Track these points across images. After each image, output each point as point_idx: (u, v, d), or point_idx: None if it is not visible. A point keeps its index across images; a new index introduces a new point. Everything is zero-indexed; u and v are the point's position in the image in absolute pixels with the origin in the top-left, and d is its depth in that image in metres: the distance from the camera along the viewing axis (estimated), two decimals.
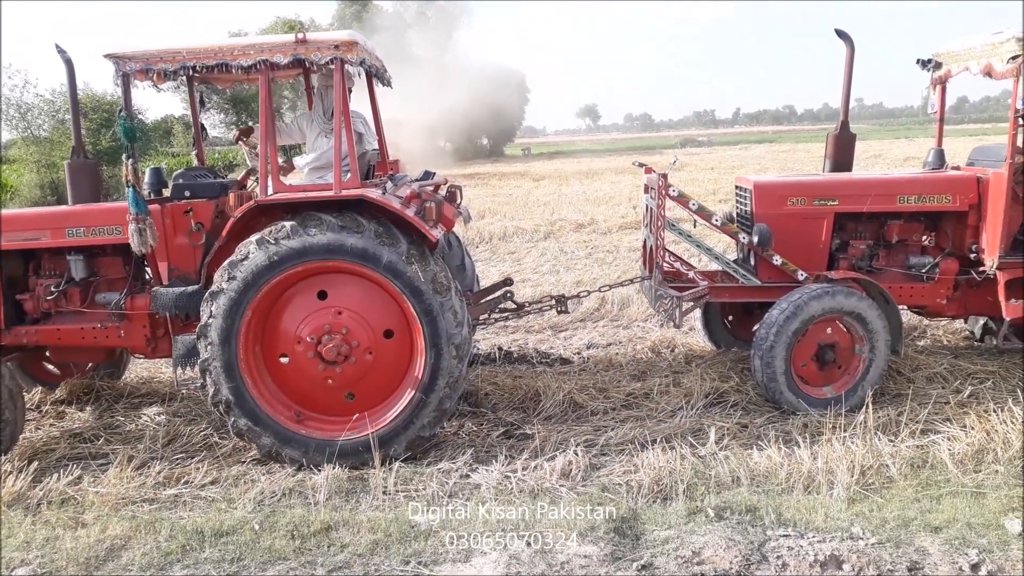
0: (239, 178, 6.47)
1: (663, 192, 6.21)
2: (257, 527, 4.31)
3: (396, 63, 6.12)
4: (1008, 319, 6.04)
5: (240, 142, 6.51)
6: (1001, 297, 6.06)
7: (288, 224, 5.00)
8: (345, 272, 5.14)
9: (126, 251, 5.62)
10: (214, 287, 5.07)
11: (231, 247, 5.21)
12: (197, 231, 5.58)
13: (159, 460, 5.35)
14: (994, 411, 5.23)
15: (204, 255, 5.59)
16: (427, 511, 4.45)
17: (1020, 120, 5.88)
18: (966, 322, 7.44)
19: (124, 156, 5.19)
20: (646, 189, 6.75)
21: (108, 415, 6.33)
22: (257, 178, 6.36)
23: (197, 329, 5.13)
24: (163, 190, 6.10)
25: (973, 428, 5.06)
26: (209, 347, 5.09)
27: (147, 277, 5.99)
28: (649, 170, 6.61)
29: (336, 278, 5.20)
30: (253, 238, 5.06)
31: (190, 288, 5.48)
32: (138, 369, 7.39)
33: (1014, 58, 5.58)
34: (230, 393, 5.13)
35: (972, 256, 6.28)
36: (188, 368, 5.43)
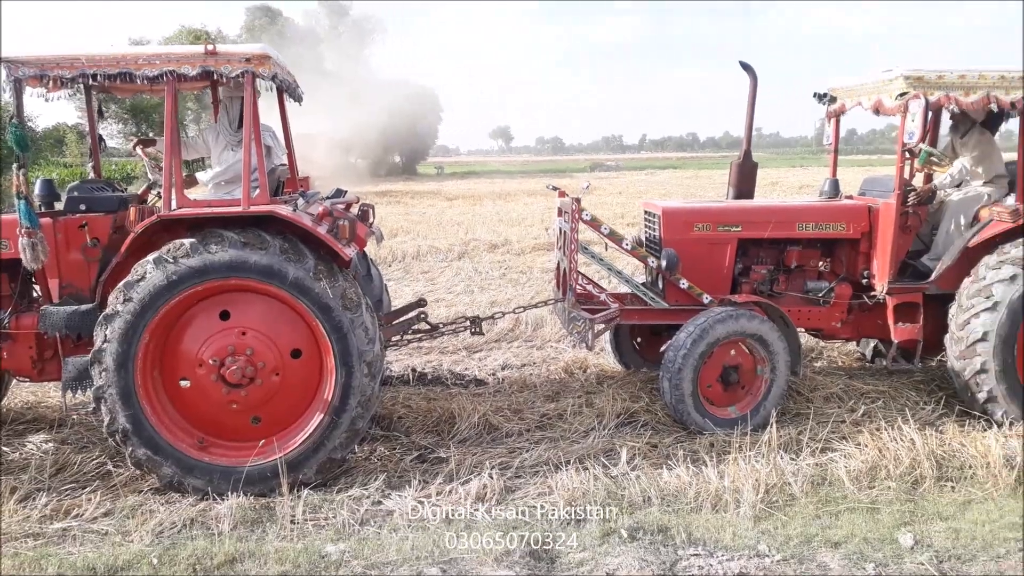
0: (139, 192, 6.19)
1: (576, 216, 6.31)
2: (156, 561, 4.08)
3: (308, 77, 6.01)
4: (897, 341, 6.40)
5: (140, 152, 6.22)
6: (890, 320, 6.42)
7: (188, 241, 4.79)
8: (249, 291, 4.96)
9: (11, 267, 5.28)
10: (109, 309, 4.81)
11: (129, 264, 4.96)
12: (93, 247, 5.29)
13: (46, 491, 4.99)
14: (885, 429, 5.51)
15: (99, 272, 5.30)
16: (337, 540, 4.32)
17: (906, 154, 6.29)
18: (858, 344, 7.85)
19: (15, 166, 4.88)
20: (560, 212, 6.84)
21: None
22: (158, 192, 6.11)
23: (91, 354, 4.84)
24: (54, 203, 5.76)
25: (867, 446, 5.31)
26: (104, 373, 4.82)
27: (35, 295, 5.64)
28: (563, 194, 6.71)
29: (239, 297, 5.00)
30: (150, 257, 4.82)
31: (83, 307, 5.19)
32: (23, 393, 6.92)
33: (902, 95, 5.96)
34: (127, 421, 4.86)
35: (864, 281, 6.64)
36: (79, 392, 5.14)
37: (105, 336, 4.80)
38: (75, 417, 6.06)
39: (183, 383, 5.04)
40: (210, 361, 4.97)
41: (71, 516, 4.69)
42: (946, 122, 7.15)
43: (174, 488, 4.98)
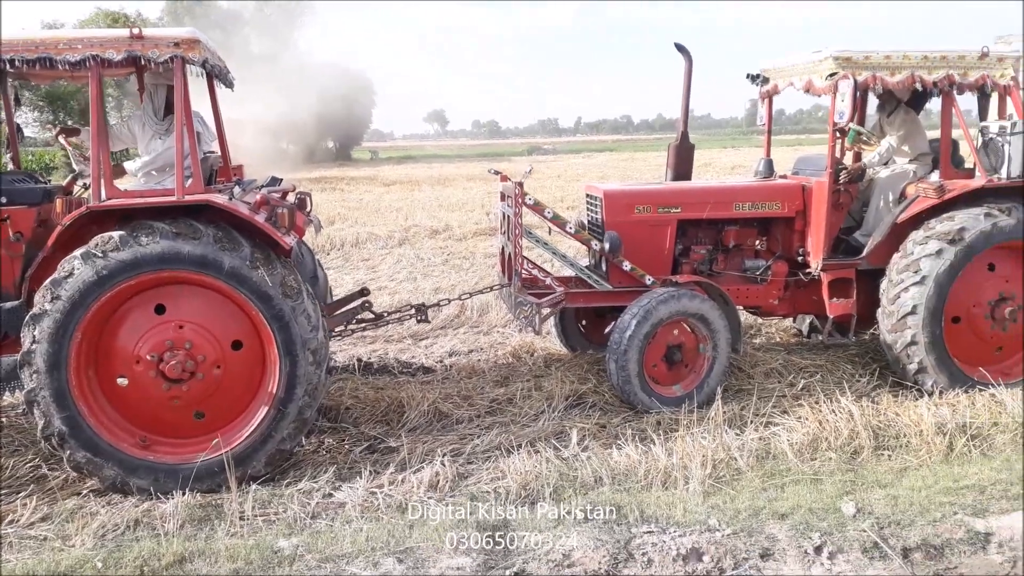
0: (64, 183, 5.92)
1: (520, 200, 6.30)
2: (100, 565, 3.93)
3: (234, 61, 5.83)
4: (832, 316, 6.61)
5: (63, 142, 5.94)
6: (825, 296, 6.63)
7: (117, 234, 4.61)
8: (184, 283, 4.81)
9: None
10: (37, 308, 4.60)
11: (56, 258, 4.75)
12: (16, 241, 5.05)
13: None
14: (824, 402, 5.71)
15: (24, 268, 5.07)
16: (290, 535, 4.25)
17: (837, 134, 6.48)
18: (795, 321, 8.08)
19: None
20: (502, 197, 6.82)
21: None
22: (84, 183, 5.86)
23: (20, 355, 4.63)
24: None
25: (807, 419, 5.49)
26: (35, 375, 4.61)
27: None
28: (505, 178, 6.69)
29: (174, 290, 4.86)
30: (78, 252, 4.62)
31: (7, 304, 4.96)
32: None
33: (831, 75, 6.12)
34: (63, 424, 4.67)
35: (799, 259, 6.83)
36: (7, 393, 4.92)
37: (34, 336, 4.60)
38: (3, 420, 5.80)
39: (121, 381, 4.86)
40: (148, 357, 4.81)
41: (6, 522, 4.50)
42: (873, 102, 7.38)
43: (117, 490, 4.82)
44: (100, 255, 4.59)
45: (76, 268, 4.59)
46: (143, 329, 4.85)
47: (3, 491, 4.94)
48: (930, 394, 6.01)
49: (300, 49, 57.44)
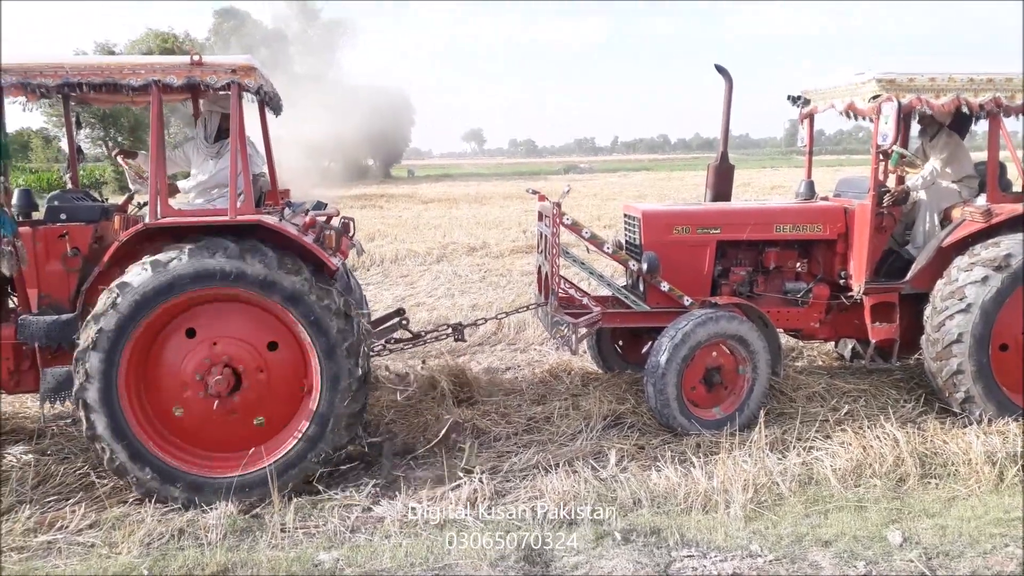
0: (120, 202, 6.11)
1: (557, 220, 6.33)
2: (146, 572, 4.03)
3: (278, 80, 5.99)
4: (874, 341, 6.51)
5: (122, 162, 6.15)
6: (868, 320, 6.52)
7: (188, 247, 4.75)
8: (215, 301, 4.92)
9: None
10: (98, 309, 4.73)
11: (111, 273, 4.90)
12: (73, 256, 5.21)
13: (28, 504, 4.90)
14: (868, 427, 5.61)
15: (79, 282, 5.23)
16: (330, 548, 4.30)
17: (880, 156, 6.41)
18: (836, 345, 7.96)
19: None
20: (540, 217, 6.86)
21: None
22: (139, 202, 6.06)
23: (76, 356, 4.76)
24: (32, 213, 5.67)
25: (851, 444, 5.40)
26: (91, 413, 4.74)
27: (10, 304, 5.53)
28: (543, 198, 6.73)
29: (198, 311, 4.97)
30: (147, 259, 4.77)
31: (64, 316, 5.11)
32: None
33: (875, 98, 6.06)
34: (125, 453, 4.82)
35: (841, 282, 6.75)
36: (58, 403, 5.06)
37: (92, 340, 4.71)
38: (54, 428, 5.96)
39: (177, 412, 4.99)
40: (196, 378, 4.92)
41: (55, 528, 4.61)
42: (915, 126, 7.29)
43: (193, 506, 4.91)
44: (165, 265, 4.71)
45: (141, 273, 4.72)
46: (183, 354, 4.97)
47: (53, 497, 5.06)
48: (979, 423, 5.87)
49: (342, 69, 58.57)
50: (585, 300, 6.61)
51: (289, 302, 4.83)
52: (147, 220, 4.90)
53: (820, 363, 7.90)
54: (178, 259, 4.74)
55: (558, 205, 6.33)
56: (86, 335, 4.75)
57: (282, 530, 4.55)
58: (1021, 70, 6.11)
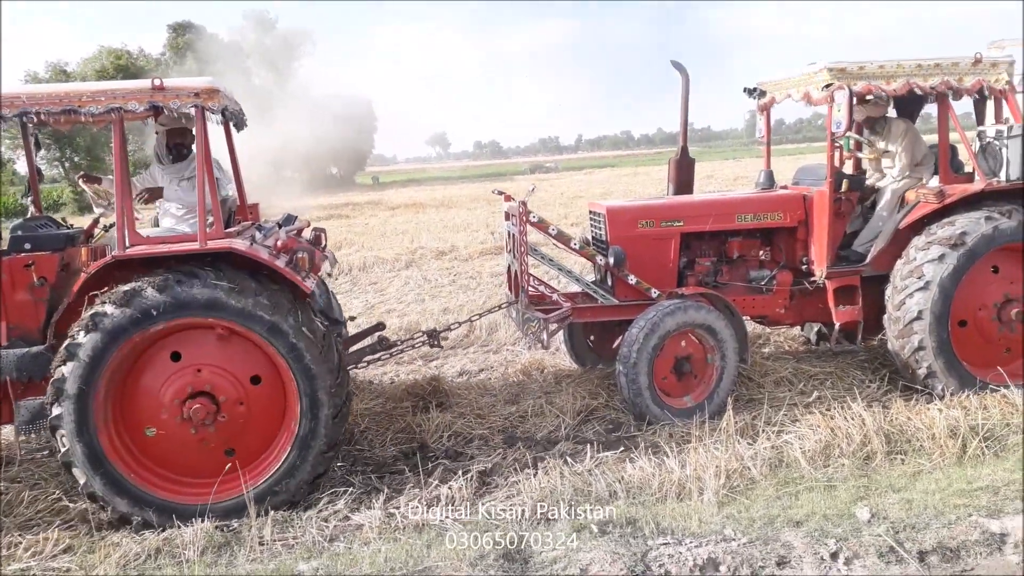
0: (85, 227, 6.04)
1: (524, 219, 6.39)
2: None
3: (235, 94, 5.96)
4: (838, 324, 6.65)
5: (85, 187, 6.07)
6: (831, 304, 6.67)
7: (158, 280, 4.71)
8: (194, 328, 4.87)
9: None
10: (73, 340, 4.67)
11: (81, 303, 4.84)
12: (40, 286, 5.12)
13: (1, 531, 4.84)
14: (836, 409, 5.73)
15: (48, 312, 5.16)
16: (309, 559, 4.30)
17: (835, 143, 6.55)
18: (802, 329, 8.11)
19: None
20: (507, 216, 6.91)
21: None
22: (105, 226, 5.99)
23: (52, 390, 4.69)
24: None
25: (819, 426, 5.51)
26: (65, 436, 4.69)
27: None
28: (509, 198, 6.78)
29: (184, 335, 4.92)
30: (120, 289, 4.70)
31: (34, 349, 5.04)
32: None
33: (827, 86, 6.21)
34: (101, 483, 4.78)
35: (803, 268, 6.89)
36: (32, 435, 4.99)
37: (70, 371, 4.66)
38: (20, 455, 5.86)
39: (148, 432, 4.95)
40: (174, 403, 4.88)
41: (30, 555, 4.55)
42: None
43: (156, 527, 4.86)
44: (140, 295, 4.66)
45: (113, 309, 4.65)
46: (164, 377, 4.92)
47: (26, 523, 5.00)
48: (941, 398, 6.02)
49: (300, 78, 58.08)
50: (555, 296, 6.67)
51: (268, 331, 4.80)
52: (115, 251, 4.83)
53: (786, 348, 8.04)
54: (153, 289, 4.68)
55: (524, 204, 6.38)
56: (60, 367, 4.69)
57: (260, 543, 4.54)
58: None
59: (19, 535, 4.76)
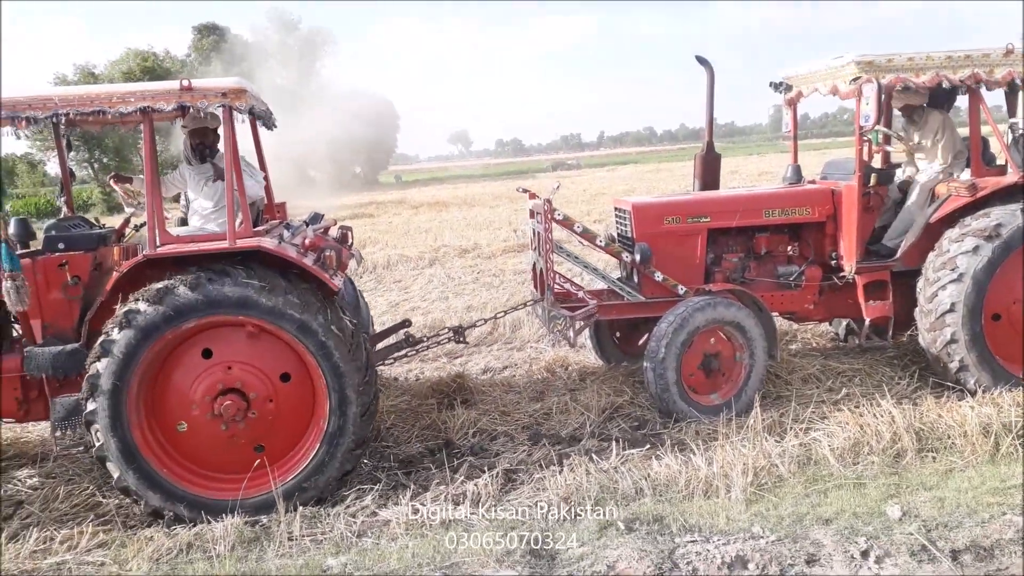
0: (117, 227, 6.13)
1: (549, 216, 6.38)
2: None
3: (261, 94, 6.03)
4: (868, 319, 6.57)
5: (116, 187, 6.16)
6: (861, 299, 6.59)
7: (190, 279, 4.75)
8: (225, 326, 4.92)
9: None
10: (107, 338, 4.74)
11: (114, 302, 4.91)
12: (74, 285, 5.21)
13: (36, 526, 4.91)
14: (865, 406, 5.66)
15: (82, 310, 5.24)
16: (337, 554, 4.33)
17: (864, 137, 6.47)
18: (831, 325, 8.03)
19: None
20: (532, 214, 6.91)
21: None
22: (136, 225, 6.08)
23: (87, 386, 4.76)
24: (29, 242, 5.67)
25: (848, 423, 5.44)
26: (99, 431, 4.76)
27: (14, 335, 5.54)
28: (533, 195, 6.78)
29: (215, 333, 4.97)
30: (153, 287, 4.75)
31: (69, 347, 5.12)
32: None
33: (855, 80, 6.13)
34: (134, 477, 4.83)
35: (833, 263, 6.81)
36: (68, 431, 5.08)
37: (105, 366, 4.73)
38: (55, 450, 5.97)
39: (180, 427, 5.00)
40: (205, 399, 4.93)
41: (65, 549, 4.63)
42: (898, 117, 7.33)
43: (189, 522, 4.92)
44: (172, 294, 4.71)
45: (146, 306, 4.71)
46: (195, 374, 4.97)
47: (61, 518, 5.09)
48: (973, 393, 5.93)
49: (323, 79, 58.51)
50: (581, 294, 6.65)
51: (297, 329, 4.83)
52: (146, 250, 4.91)
53: (814, 345, 7.95)
54: (185, 287, 4.74)
55: (549, 202, 6.37)
56: (95, 363, 4.76)
57: (289, 539, 4.57)
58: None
59: (55, 529, 4.85)
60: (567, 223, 6.48)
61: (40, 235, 5.59)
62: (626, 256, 6.64)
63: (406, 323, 6.89)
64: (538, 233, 6.63)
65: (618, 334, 7.62)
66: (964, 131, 6.66)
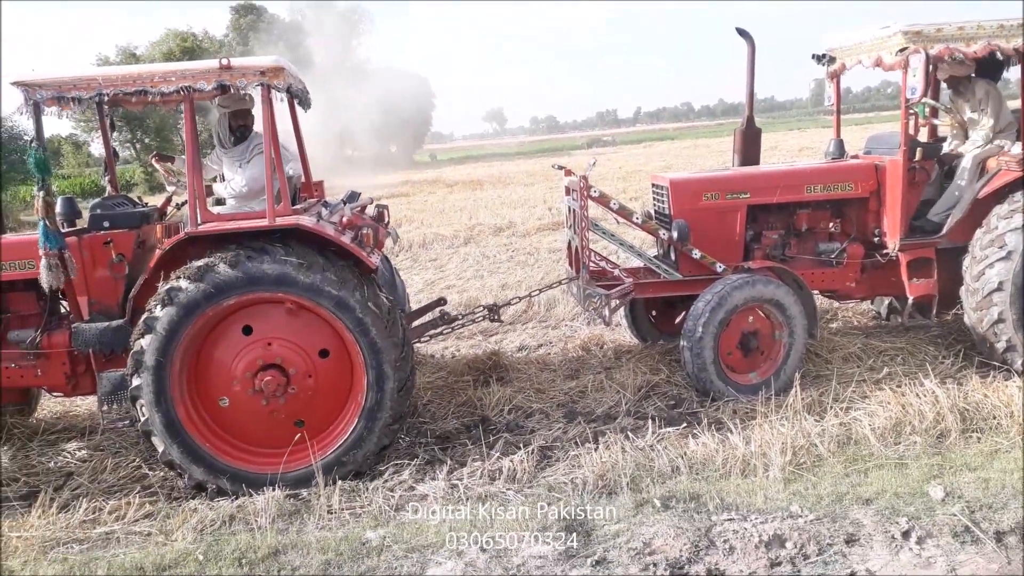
0: (159, 205, 6.24)
1: (585, 194, 6.33)
2: (201, 557, 4.16)
3: (297, 72, 6.06)
4: (912, 297, 6.43)
5: (157, 166, 6.27)
6: (904, 277, 6.44)
7: (229, 256, 4.83)
8: (265, 303, 4.98)
9: (40, 286, 5.34)
10: (150, 314, 4.85)
11: (157, 279, 5.01)
12: (119, 263, 5.35)
13: (85, 497, 5.06)
14: (907, 385, 5.56)
15: (127, 287, 5.36)
16: (376, 527, 4.40)
17: (910, 110, 6.28)
18: (873, 303, 7.87)
19: (36, 189, 4.93)
20: (567, 191, 6.86)
21: (23, 454, 5.97)
22: (177, 204, 6.19)
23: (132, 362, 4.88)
24: (76, 220, 5.80)
25: (890, 403, 5.35)
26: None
27: (63, 312, 5.69)
28: (569, 172, 6.73)
29: (255, 310, 5.04)
30: (195, 264, 4.84)
31: (114, 323, 5.25)
32: (50, 404, 7.00)
33: (902, 50, 5.95)
34: (178, 451, 4.94)
35: (876, 240, 6.66)
36: (115, 404, 5.22)
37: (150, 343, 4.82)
38: (110, 427, 6.14)
39: (222, 402, 5.10)
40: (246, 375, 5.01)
41: (113, 519, 4.78)
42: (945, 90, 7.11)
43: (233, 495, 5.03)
44: (213, 271, 4.80)
45: (189, 283, 4.80)
46: (236, 351, 5.05)
47: (108, 489, 5.24)
48: (1020, 374, 5.79)
49: (360, 56, 58.62)
50: (616, 272, 6.61)
51: (335, 306, 4.89)
52: (188, 228, 4.99)
53: (855, 323, 7.82)
54: (225, 265, 4.82)
55: (585, 178, 6.32)
56: (139, 339, 4.87)
57: (329, 512, 4.66)
58: None
59: (103, 500, 5.00)
60: (603, 200, 6.43)
61: (86, 214, 5.72)
62: (663, 233, 6.56)
63: (442, 301, 6.93)
64: (574, 211, 6.59)
65: (654, 312, 7.57)
66: (1013, 103, 6.43)
